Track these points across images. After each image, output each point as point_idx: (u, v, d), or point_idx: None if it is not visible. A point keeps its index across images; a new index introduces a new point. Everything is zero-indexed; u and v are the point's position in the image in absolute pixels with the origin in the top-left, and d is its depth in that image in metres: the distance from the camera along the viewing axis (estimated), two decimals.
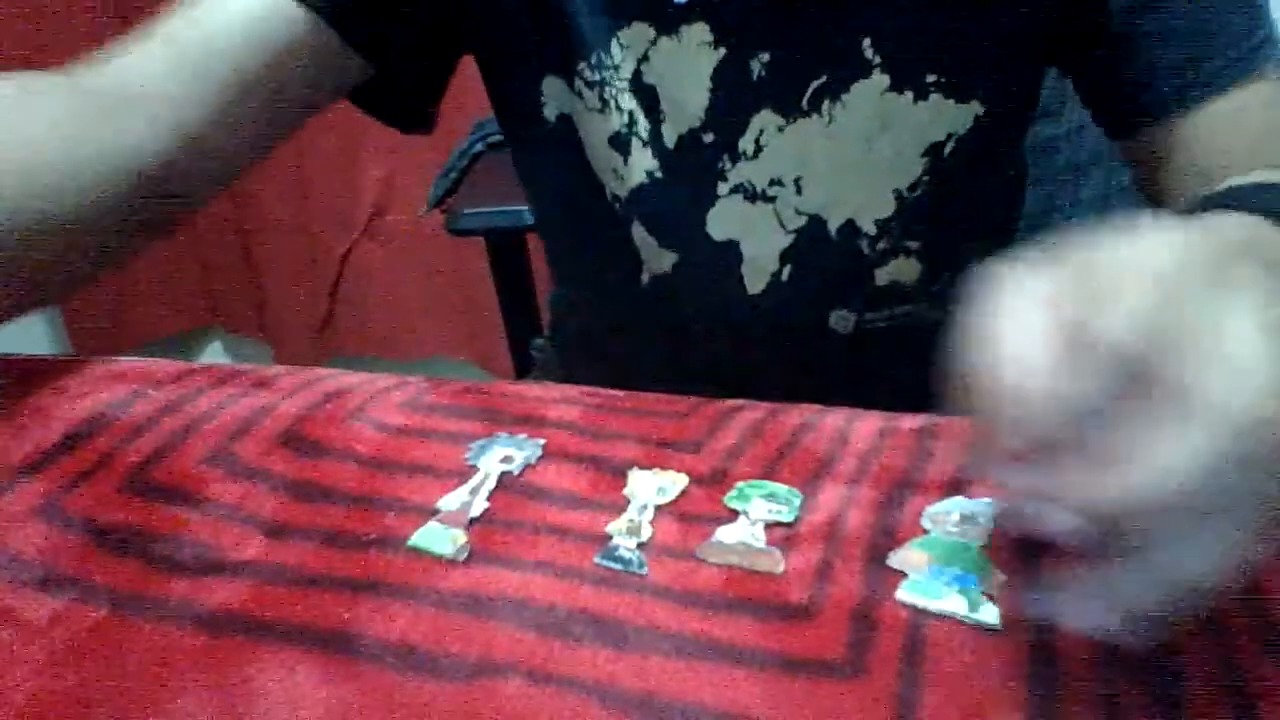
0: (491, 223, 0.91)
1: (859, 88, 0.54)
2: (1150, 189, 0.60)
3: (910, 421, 0.44)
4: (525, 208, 0.88)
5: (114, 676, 0.31)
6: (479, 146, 0.99)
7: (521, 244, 0.95)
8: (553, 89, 0.59)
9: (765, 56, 0.54)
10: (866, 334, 0.62)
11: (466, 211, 0.90)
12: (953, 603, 0.33)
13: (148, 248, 0.53)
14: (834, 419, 0.44)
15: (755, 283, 0.60)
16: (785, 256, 0.59)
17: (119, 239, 0.50)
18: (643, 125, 0.57)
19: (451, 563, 0.36)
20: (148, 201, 0.50)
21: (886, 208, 0.58)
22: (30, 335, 1.65)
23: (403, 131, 0.63)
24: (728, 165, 0.57)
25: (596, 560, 0.36)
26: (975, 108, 0.55)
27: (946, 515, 0.37)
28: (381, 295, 1.73)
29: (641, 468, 0.41)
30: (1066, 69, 0.59)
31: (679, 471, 0.40)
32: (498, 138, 0.99)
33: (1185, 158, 0.55)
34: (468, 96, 0.73)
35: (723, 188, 0.58)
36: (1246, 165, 0.52)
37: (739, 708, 0.30)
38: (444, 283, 1.66)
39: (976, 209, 0.62)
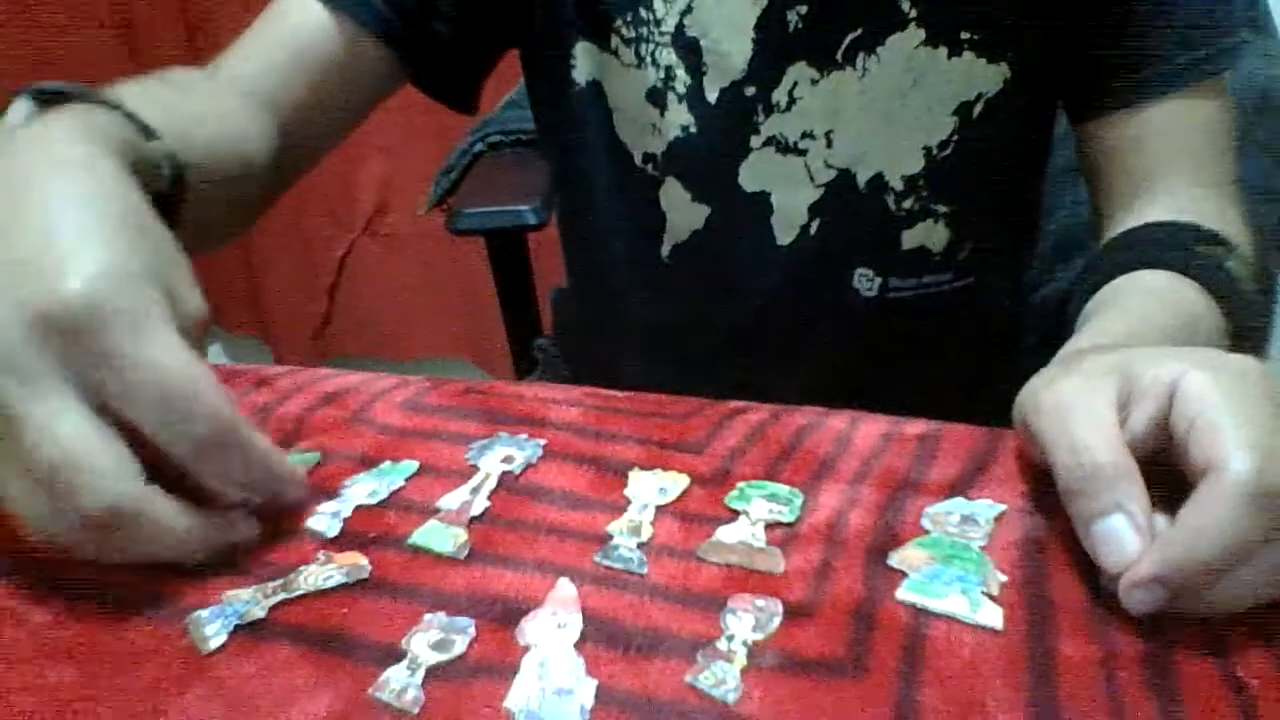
0: (491, 223, 0.91)
1: (894, 40, 0.56)
2: (1096, 191, 0.62)
3: (914, 426, 0.44)
4: (525, 207, 0.88)
5: (114, 676, 0.31)
6: (479, 146, 0.99)
7: (521, 244, 0.95)
8: (584, 54, 0.62)
9: (803, 8, 0.56)
10: (890, 303, 0.63)
11: (466, 211, 0.90)
12: (953, 603, 0.33)
13: (255, 221, 0.63)
14: (837, 421, 0.44)
15: (784, 234, 0.62)
16: (814, 209, 0.61)
17: (253, 207, 0.61)
18: (681, 79, 0.59)
19: (452, 561, 0.36)
20: (262, 178, 0.59)
21: (915, 164, 0.59)
22: None
23: (456, 109, 0.69)
24: (761, 118, 0.59)
25: (596, 560, 0.36)
26: (1005, 70, 0.57)
27: (947, 516, 0.37)
28: (381, 295, 1.73)
29: (642, 469, 0.41)
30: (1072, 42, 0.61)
31: (680, 472, 0.41)
32: (498, 138, 0.99)
33: (1132, 158, 0.59)
34: None
35: (755, 140, 0.60)
36: (1163, 176, 0.57)
37: (739, 708, 0.30)
38: (444, 283, 1.66)
39: (1002, 182, 0.63)
